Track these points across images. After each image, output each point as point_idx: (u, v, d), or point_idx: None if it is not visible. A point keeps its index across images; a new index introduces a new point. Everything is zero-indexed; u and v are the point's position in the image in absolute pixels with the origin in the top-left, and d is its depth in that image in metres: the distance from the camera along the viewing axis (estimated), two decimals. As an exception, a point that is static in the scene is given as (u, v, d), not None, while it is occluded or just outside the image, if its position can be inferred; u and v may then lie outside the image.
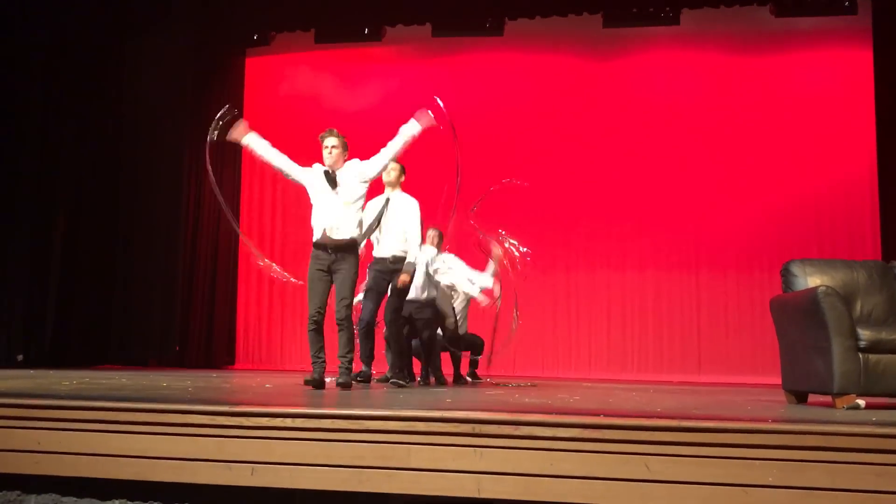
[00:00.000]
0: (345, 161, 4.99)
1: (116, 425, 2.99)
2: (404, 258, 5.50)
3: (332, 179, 4.89)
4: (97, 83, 9.23)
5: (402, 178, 5.75)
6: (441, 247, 6.31)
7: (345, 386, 4.72)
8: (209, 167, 5.61)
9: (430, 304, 5.94)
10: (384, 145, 5.10)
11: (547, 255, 9.22)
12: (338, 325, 4.82)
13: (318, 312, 4.81)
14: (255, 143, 5.02)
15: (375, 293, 5.58)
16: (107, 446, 2.99)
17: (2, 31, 8.62)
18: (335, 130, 5.00)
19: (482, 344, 6.79)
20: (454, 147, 5.64)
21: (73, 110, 9.04)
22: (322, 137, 4.97)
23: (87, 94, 9.13)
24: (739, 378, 8.37)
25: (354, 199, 4.93)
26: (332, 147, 4.93)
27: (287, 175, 5.03)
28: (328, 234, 4.83)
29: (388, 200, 5.67)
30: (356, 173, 4.97)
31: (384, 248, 5.59)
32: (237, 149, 10.00)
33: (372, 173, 5.04)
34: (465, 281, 6.51)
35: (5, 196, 8.60)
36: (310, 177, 4.98)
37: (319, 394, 4.30)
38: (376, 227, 5.60)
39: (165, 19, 9.44)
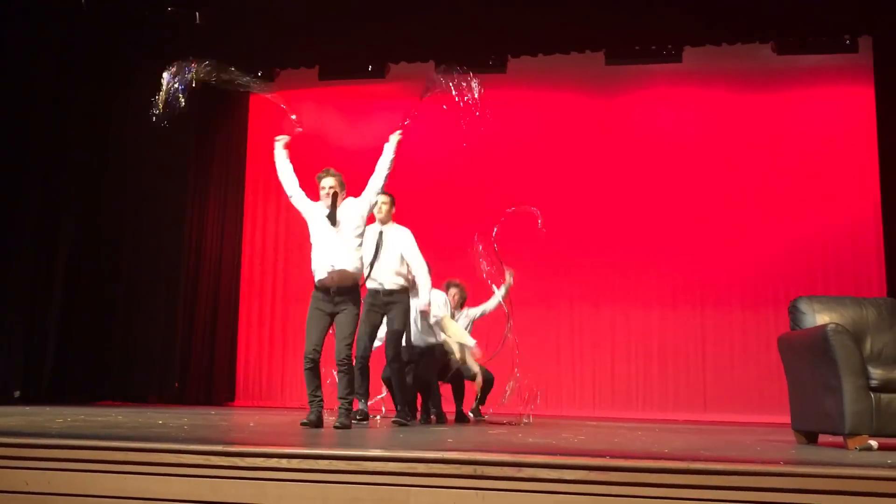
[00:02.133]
0: (343, 199, 4.94)
1: (107, 465, 2.90)
2: (398, 290, 5.51)
3: (332, 217, 4.84)
4: (101, 117, 9.25)
5: (393, 211, 5.72)
6: (464, 303, 6.48)
7: (344, 427, 4.62)
8: None
9: (430, 350, 5.89)
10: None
11: (550, 291, 9.17)
12: (337, 365, 4.75)
13: (315, 351, 4.74)
14: (283, 156, 5.05)
15: (369, 326, 5.48)
16: (97, 487, 2.90)
17: (6, 63, 8.64)
18: (332, 170, 4.96)
19: (492, 379, 6.65)
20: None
21: (76, 145, 9.04)
22: (319, 178, 4.92)
23: (91, 128, 9.15)
24: (746, 417, 8.24)
25: (355, 236, 4.89)
26: (330, 188, 4.87)
27: (291, 197, 5.02)
28: (330, 271, 4.77)
29: (381, 233, 5.64)
30: (353, 210, 4.93)
31: (377, 280, 5.54)
32: (242, 172, 10.16)
33: (369, 201, 5.02)
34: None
35: (6, 229, 8.56)
36: (312, 210, 4.95)
37: (316, 433, 4.20)
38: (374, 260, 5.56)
39: (171, 54, 9.47)
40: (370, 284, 5.55)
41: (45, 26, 8.85)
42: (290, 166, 5.06)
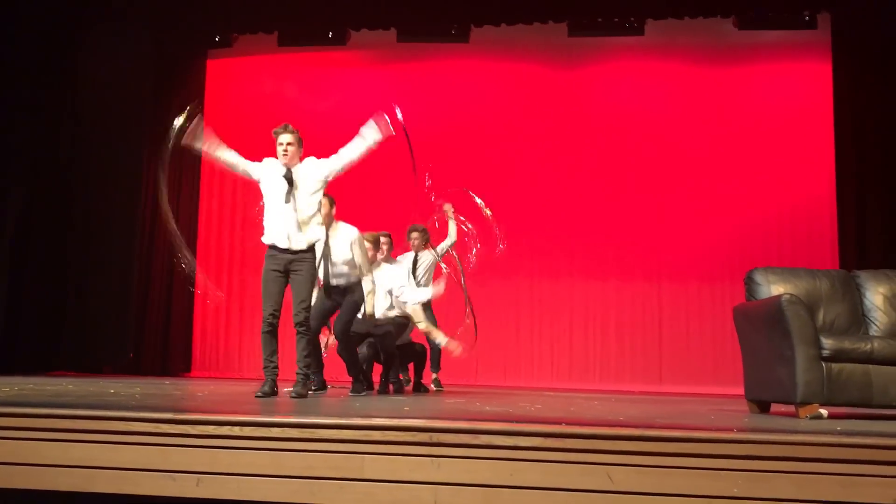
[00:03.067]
0: (300, 158, 4.80)
1: (53, 433, 2.83)
2: (354, 284, 5.39)
3: (289, 179, 4.69)
4: (53, 81, 8.97)
5: (334, 211, 5.46)
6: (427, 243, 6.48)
7: (300, 396, 4.57)
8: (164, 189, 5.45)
9: (390, 322, 5.82)
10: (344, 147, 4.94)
11: (509, 263, 9.13)
12: (296, 328, 4.67)
13: (273, 315, 4.64)
14: (208, 147, 4.86)
15: (321, 310, 5.39)
16: (43, 456, 2.82)
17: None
18: (290, 126, 4.78)
19: (423, 352, 6.60)
20: (410, 156, 5.55)
21: (26, 108, 8.77)
22: (276, 133, 4.73)
23: (42, 93, 8.87)
24: (701, 388, 8.37)
25: (311, 194, 4.74)
26: (288, 144, 4.70)
27: (237, 170, 4.86)
28: (285, 240, 4.65)
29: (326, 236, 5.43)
30: (313, 171, 4.77)
31: (332, 279, 5.39)
32: (197, 152, 9.92)
33: (333, 170, 4.82)
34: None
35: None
36: (263, 172, 4.78)
37: (270, 401, 4.15)
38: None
39: (125, 18, 9.22)
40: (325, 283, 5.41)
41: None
42: (227, 152, 4.87)
